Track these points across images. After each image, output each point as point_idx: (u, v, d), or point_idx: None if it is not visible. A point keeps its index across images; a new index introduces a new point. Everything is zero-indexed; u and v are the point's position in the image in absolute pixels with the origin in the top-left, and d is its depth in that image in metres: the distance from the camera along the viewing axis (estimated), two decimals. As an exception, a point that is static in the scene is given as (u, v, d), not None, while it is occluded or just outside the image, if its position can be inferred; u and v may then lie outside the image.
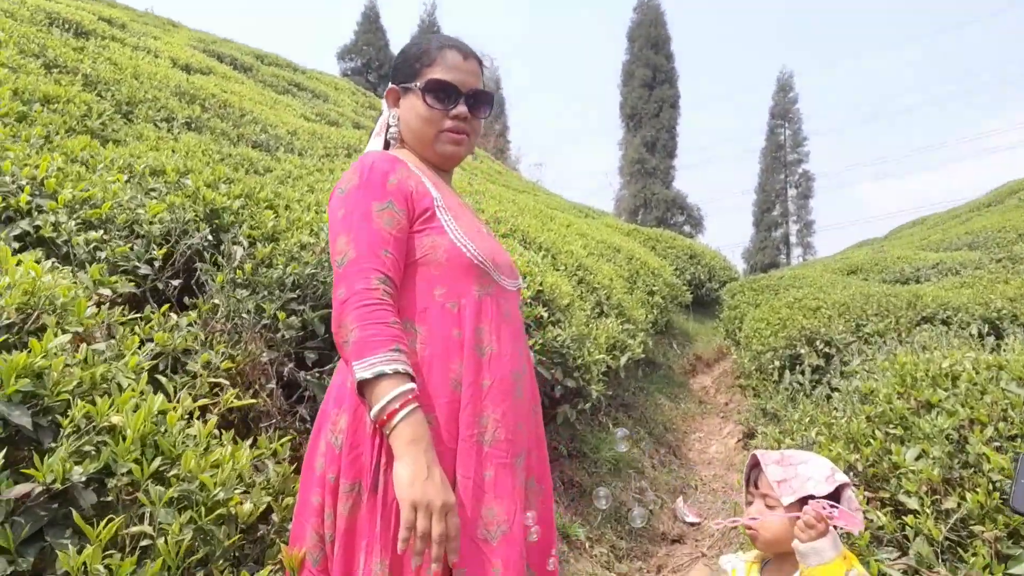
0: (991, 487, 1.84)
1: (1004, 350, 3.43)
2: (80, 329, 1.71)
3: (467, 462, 1.42)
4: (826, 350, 4.86)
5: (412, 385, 1.31)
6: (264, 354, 2.58)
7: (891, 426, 2.29)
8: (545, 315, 3.87)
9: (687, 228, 36.29)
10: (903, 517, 1.88)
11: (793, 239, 43.62)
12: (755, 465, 1.60)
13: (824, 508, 1.42)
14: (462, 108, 1.60)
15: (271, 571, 1.42)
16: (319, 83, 13.42)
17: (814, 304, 5.71)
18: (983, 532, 1.74)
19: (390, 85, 1.69)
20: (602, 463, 4.38)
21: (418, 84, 1.59)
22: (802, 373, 4.78)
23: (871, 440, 2.23)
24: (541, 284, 4.07)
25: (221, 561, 1.41)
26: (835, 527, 1.45)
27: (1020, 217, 10.86)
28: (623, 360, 5.03)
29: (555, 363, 3.84)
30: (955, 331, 4.29)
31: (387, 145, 1.74)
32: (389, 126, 1.73)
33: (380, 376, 1.29)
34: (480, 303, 1.50)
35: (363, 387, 1.31)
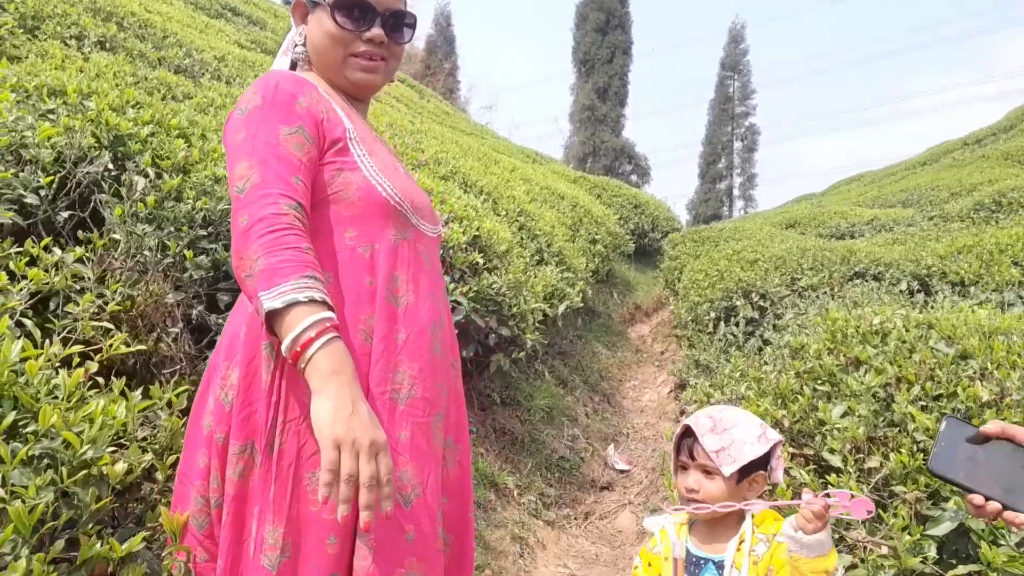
0: (915, 447, 1.82)
1: (932, 307, 3.47)
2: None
3: (379, 419, 1.29)
4: (761, 303, 4.88)
5: (331, 313, 1.14)
6: (169, 295, 2.38)
7: (819, 382, 2.26)
8: (481, 262, 3.74)
9: (634, 178, 36.38)
10: (826, 476, 1.85)
11: (736, 192, 44.27)
12: (687, 434, 1.52)
13: (829, 499, 1.32)
14: (377, 30, 1.42)
15: (147, 536, 1.27)
16: (257, 8, 12.66)
17: (752, 257, 5.73)
18: (904, 493, 1.71)
19: None
20: (535, 410, 4.34)
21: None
22: (736, 325, 4.80)
23: (799, 396, 2.19)
24: (478, 229, 3.92)
25: (90, 526, 1.26)
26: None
27: (953, 176, 11.15)
28: (561, 309, 4.96)
29: (490, 311, 3.73)
30: (886, 287, 4.34)
31: (293, 66, 1.55)
32: (296, 44, 1.53)
33: (293, 304, 1.11)
34: (396, 248, 1.35)
35: (273, 320, 1.13)
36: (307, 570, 1.21)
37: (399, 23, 1.46)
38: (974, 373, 2.04)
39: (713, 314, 5.11)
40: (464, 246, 3.70)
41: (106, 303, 2.02)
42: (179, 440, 1.54)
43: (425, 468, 1.33)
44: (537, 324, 4.18)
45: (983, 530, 1.54)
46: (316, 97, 1.38)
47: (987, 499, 0.94)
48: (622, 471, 4.28)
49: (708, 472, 1.47)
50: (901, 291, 4.31)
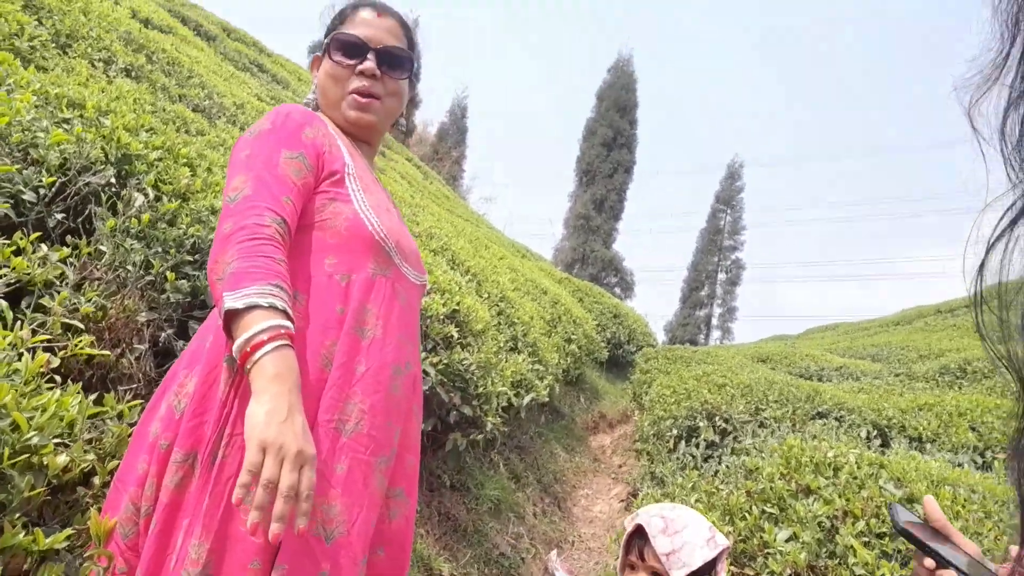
0: (852, 580, 1.82)
1: (887, 454, 3.51)
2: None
3: (320, 448, 1.28)
4: (724, 426, 4.91)
5: (287, 323, 1.15)
6: (143, 314, 2.38)
7: (768, 504, 2.27)
8: (456, 335, 3.77)
9: (618, 290, 36.95)
10: (763, 596, 1.84)
11: (715, 321, 44.98)
12: (637, 534, 1.52)
13: None
14: (369, 64, 1.51)
15: (70, 536, 1.24)
16: (283, 69, 13.15)
17: (720, 380, 5.80)
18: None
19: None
20: (484, 500, 4.26)
21: (327, 41, 1.51)
22: (696, 446, 4.80)
23: (747, 515, 2.19)
24: (458, 304, 3.97)
25: (18, 515, 1.23)
26: None
27: (923, 339, 11.46)
28: (526, 400, 4.95)
29: (456, 387, 3.73)
30: (846, 429, 4.40)
31: None
32: (310, 94, 1.64)
33: (252, 307, 1.13)
34: (373, 282, 1.38)
35: (231, 320, 1.14)
36: None
37: (393, 60, 1.55)
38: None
39: (675, 431, 5.12)
40: (442, 318, 3.74)
41: (79, 307, 2.02)
42: (124, 447, 1.52)
43: (355, 507, 1.31)
44: (500, 410, 4.17)
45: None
46: (323, 131, 1.45)
47: (938, 567, 0.96)
48: (561, 577, 4.16)
49: (657, 574, 1.47)
50: (860, 436, 4.37)
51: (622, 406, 9.62)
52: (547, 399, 5.38)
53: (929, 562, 0.98)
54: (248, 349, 1.12)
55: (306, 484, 1.09)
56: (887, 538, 1.99)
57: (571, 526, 5.19)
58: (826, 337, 18.72)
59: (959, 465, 3.63)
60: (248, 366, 1.12)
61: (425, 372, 3.47)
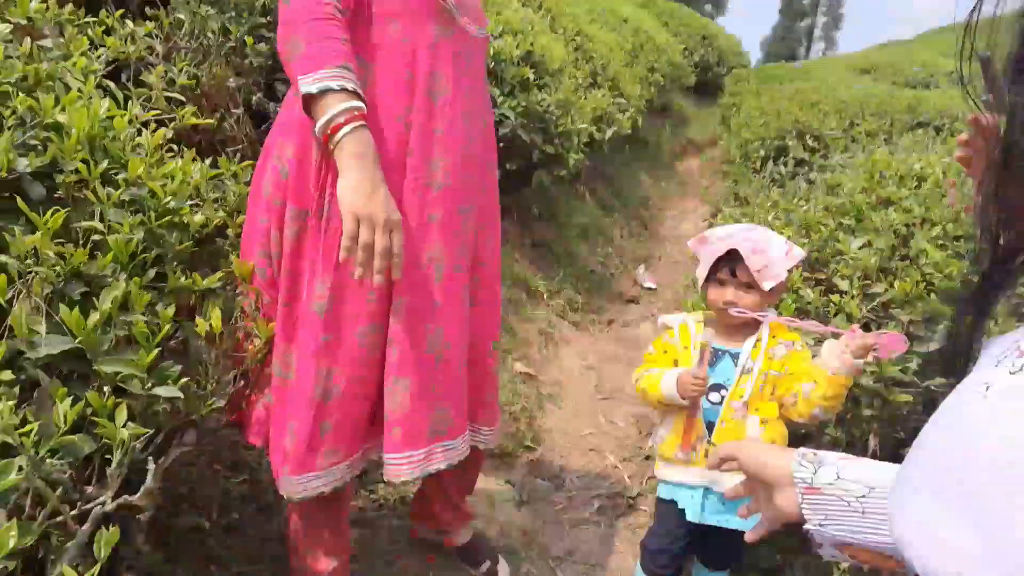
0: (921, 278, 1.93)
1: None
2: (23, 21, 1.62)
3: (412, 202, 1.44)
4: (813, 144, 4.80)
5: (360, 103, 1.27)
6: (231, 79, 2.50)
7: (846, 217, 2.33)
8: (532, 77, 3.73)
9: (708, 7, 33.89)
10: (830, 295, 1.99)
11: (818, 32, 41.11)
12: (727, 256, 1.63)
13: (878, 339, 1.42)
14: None
15: (221, 277, 1.49)
16: None
17: (814, 99, 5.53)
18: (901, 316, 1.85)
19: None
20: (572, 227, 4.51)
21: None
22: (784, 164, 4.76)
23: (823, 227, 2.28)
24: (532, 44, 3.87)
25: (174, 263, 1.48)
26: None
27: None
28: (608, 134, 4.95)
29: (536, 128, 3.78)
30: (944, 138, 4.23)
31: None
32: None
33: (326, 91, 1.24)
34: (437, 46, 1.42)
35: (309, 103, 1.27)
36: (348, 319, 1.43)
37: None
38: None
39: (763, 152, 5.05)
40: (516, 60, 3.68)
41: (174, 79, 2.15)
42: (245, 204, 1.73)
43: (454, 247, 1.50)
44: (582, 146, 4.23)
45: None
46: None
47: None
48: (649, 288, 4.50)
49: (748, 287, 1.63)
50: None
51: (711, 130, 9.41)
52: (630, 131, 5.35)
53: None
54: (328, 132, 1.25)
55: (397, 245, 1.29)
56: (962, 240, 2.06)
57: (658, 245, 5.46)
58: (945, 39, 16.91)
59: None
60: (331, 146, 1.27)
61: (505, 116, 3.52)
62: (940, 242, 2.07)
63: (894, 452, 1.81)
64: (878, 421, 1.76)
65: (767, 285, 1.62)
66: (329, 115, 1.24)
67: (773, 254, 1.64)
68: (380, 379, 1.50)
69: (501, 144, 3.60)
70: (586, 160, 4.48)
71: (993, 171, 0.51)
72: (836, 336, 1.50)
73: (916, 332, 1.82)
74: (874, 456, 1.83)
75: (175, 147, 1.89)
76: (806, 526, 0.73)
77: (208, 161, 1.83)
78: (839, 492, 0.70)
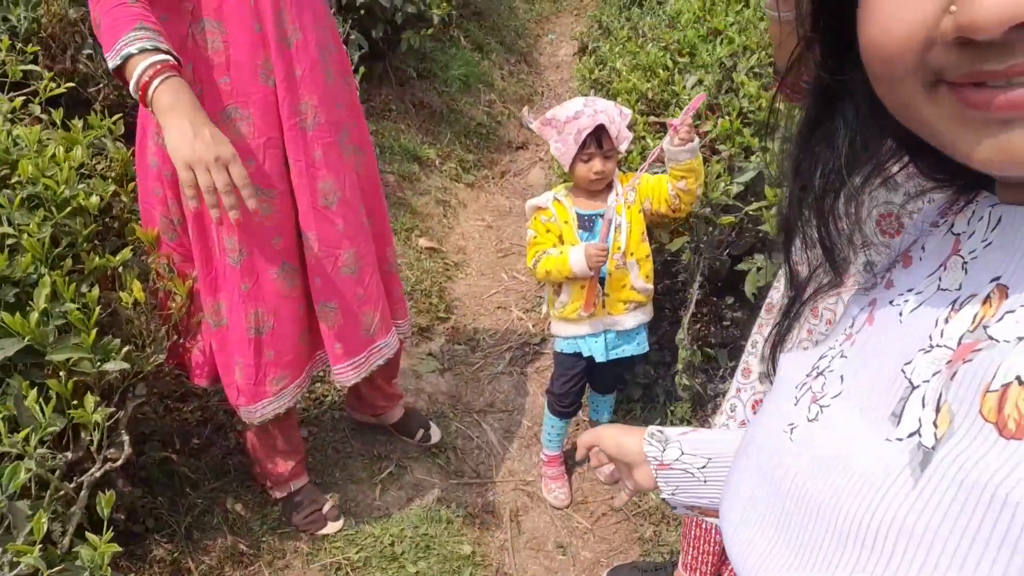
0: (738, 113, 2.23)
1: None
2: None
3: (296, 147, 1.61)
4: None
5: (163, 56, 1.31)
6: (71, 10, 2.46)
7: (681, 55, 2.58)
8: (376, -66, 3.63)
9: None
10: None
11: None
12: (594, 129, 1.87)
13: (689, 110, 1.82)
14: None
15: (131, 248, 1.68)
16: None
17: None
18: (723, 150, 2.18)
19: None
20: (452, 81, 4.57)
21: None
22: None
23: (662, 70, 2.53)
24: None
25: (85, 246, 1.65)
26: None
27: None
28: (469, -31, 4.87)
29: (393, -13, 3.74)
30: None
31: None
32: None
33: (128, 57, 1.29)
34: None
35: (120, 76, 1.34)
36: (262, 264, 1.66)
37: None
38: (805, 39, 2.38)
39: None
40: (357, -82, 3.56)
41: (18, 33, 2.14)
42: (131, 168, 1.86)
43: (340, 176, 1.71)
44: (445, -6, 4.20)
45: (771, 177, 2.05)
46: None
47: None
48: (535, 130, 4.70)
49: (608, 155, 1.89)
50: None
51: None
52: (491, -39, 5.24)
53: None
54: (139, 93, 1.31)
55: (238, 177, 1.34)
56: (770, 70, 2.34)
57: (539, 78, 5.57)
58: None
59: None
60: (148, 107, 1.34)
61: (358, -17, 3.48)
62: (756, 71, 2.36)
63: (732, 268, 2.22)
64: (711, 244, 2.14)
65: (624, 147, 1.91)
66: (135, 78, 1.29)
67: (618, 119, 1.91)
68: (307, 304, 1.76)
69: (360, 12, 3.60)
70: (452, 7, 4.46)
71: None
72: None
73: (737, 163, 2.16)
74: (713, 272, 2.24)
75: (43, 118, 1.98)
76: (662, 496, 0.83)
77: (80, 122, 1.92)
78: (684, 466, 0.79)
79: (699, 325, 2.42)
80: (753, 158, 2.13)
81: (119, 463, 1.42)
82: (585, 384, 2.20)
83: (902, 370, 0.42)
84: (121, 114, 2.12)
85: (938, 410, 0.38)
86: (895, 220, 1.03)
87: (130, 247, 1.69)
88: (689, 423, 2.34)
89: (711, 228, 2.12)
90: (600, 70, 2.86)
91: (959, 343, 0.40)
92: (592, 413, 2.34)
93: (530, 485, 2.31)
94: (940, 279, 0.45)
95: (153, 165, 1.63)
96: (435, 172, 3.81)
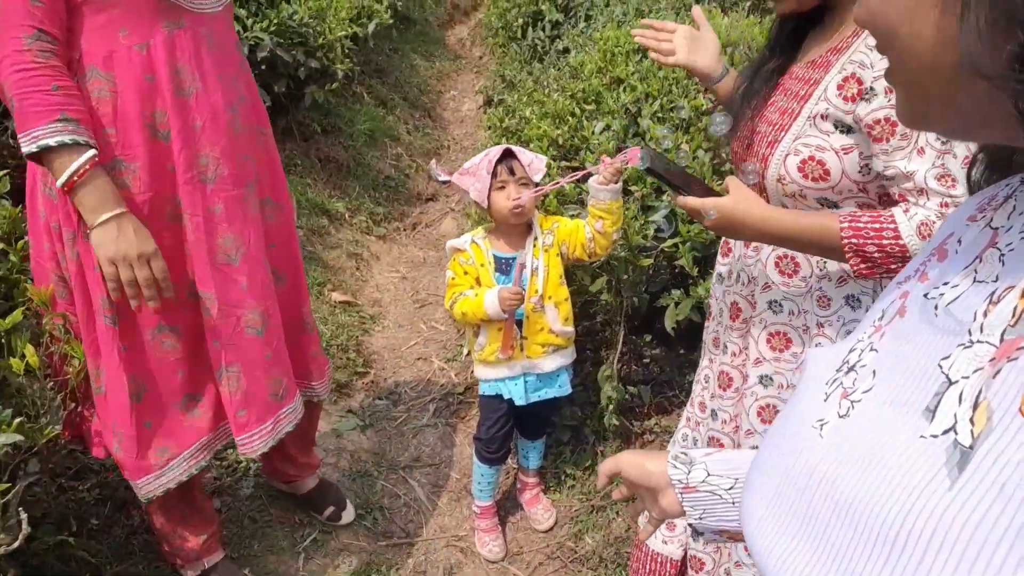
0: (648, 154, 2.32)
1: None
2: None
3: (194, 200, 1.53)
4: (565, 4, 5.07)
5: (88, 154, 1.33)
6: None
7: (588, 103, 2.66)
8: (276, -10, 3.62)
9: None
10: (583, 184, 2.34)
11: None
12: (499, 159, 1.88)
13: (620, 156, 1.77)
14: None
15: (22, 309, 1.54)
16: None
17: (558, -46, 5.73)
18: (636, 191, 2.25)
19: None
20: (358, 136, 4.56)
21: None
22: (543, 30, 5.02)
23: (570, 117, 2.60)
24: (268, -48, 3.70)
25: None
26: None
27: None
28: (371, 28, 4.92)
29: (295, 43, 3.72)
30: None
31: None
32: None
33: (47, 150, 1.30)
34: (172, 41, 1.45)
35: (37, 159, 1.34)
36: (139, 325, 1.55)
37: None
38: (701, 85, 2.51)
39: (521, 20, 5.26)
40: (256, -26, 3.54)
41: None
42: (20, 225, 1.72)
43: (245, 231, 1.62)
44: (347, 50, 4.21)
45: (683, 214, 2.12)
46: None
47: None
48: (444, 182, 4.69)
49: (522, 184, 1.90)
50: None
51: (473, -10, 9.36)
52: (391, 20, 5.32)
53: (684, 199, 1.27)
54: (65, 190, 1.34)
55: (158, 271, 1.44)
56: (674, 110, 2.46)
57: (444, 132, 5.63)
58: None
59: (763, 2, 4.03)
60: (72, 200, 1.37)
61: (259, 39, 3.44)
62: (660, 116, 2.47)
63: (649, 308, 2.26)
64: (632, 284, 2.19)
65: (537, 176, 1.93)
66: (63, 179, 1.32)
67: (529, 155, 1.96)
68: (193, 370, 1.64)
69: (263, 67, 3.55)
70: (355, 63, 4.47)
71: None
72: (589, 176, 1.88)
73: (648, 203, 2.23)
74: (633, 310, 2.29)
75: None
76: (689, 521, 0.78)
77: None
78: (711, 488, 0.76)
79: (620, 364, 2.45)
80: (664, 197, 2.21)
81: (14, 546, 1.26)
82: (512, 428, 2.17)
83: (939, 365, 0.41)
84: (7, 171, 1.98)
85: (975, 407, 0.37)
86: None
87: (21, 309, 1.55)
88: (619, 462, 2.34)
89: (630, 268, 2.16)
90: (510, 118, 2.92)
91: (1002, 339, 0.39)
92: (522, 460, 2.30)
93: (463, 540, 2.23)
94: (976, 271, 0.44)
95: (43, 216, 1.52)
96: (345, 225, 3.75)
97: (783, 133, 1.19)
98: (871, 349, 0.50)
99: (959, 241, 0.50)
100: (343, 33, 4.04)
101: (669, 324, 2.18)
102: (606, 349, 2.64)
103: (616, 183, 1.85)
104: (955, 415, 0.38)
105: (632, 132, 2.48)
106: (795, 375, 1.32)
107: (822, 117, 1.14)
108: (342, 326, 2.96)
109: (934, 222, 1.04)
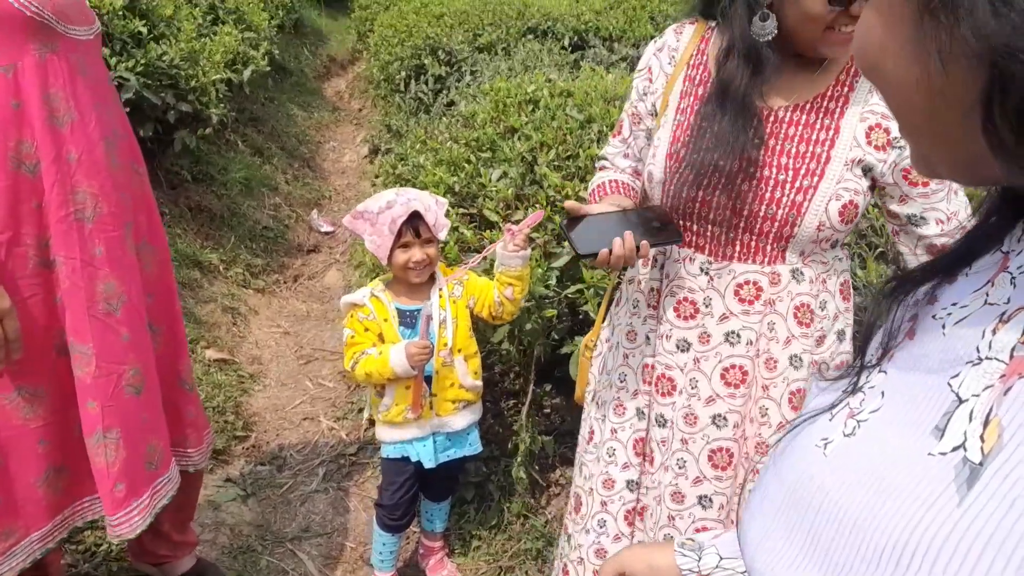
0: (547, 200, 2.31)
1: (580, 67, 3.99)
2: None
3: (70, 242, 1.35)
4: (448, 59, 5.11)
5: None
6: None
7: (483, 150, 2.64)
8: (145, 30, 3.40)
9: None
10: (484, 231, 2.29)
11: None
12: (406, 220, 1.76)
13: (527, 223, 1.73)
14: None
15: None
16: None
17: (438, 11, 5.81)
18: (537, 238, 2.22)
19: None
20: (232, 185, 4.32)
21: None
22: (426, 83, 5.02)
23: (466, 164, 2.56)
24: (134, -11, 3.48)
25: None
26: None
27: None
28: (246, 75, 4.73)
29: (164, 86, 3.49)
30: (551, 44, 4.81)
31: None
32: None
33: None
34: (44, 65, 1.30)
35: None
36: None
37: None
38: (595, 135, 2.56)
39: (404, 72, 5.24)
40: (121, 12, 3.31)
41: None
42: None
43: (127, 277, 1.46)
44: (222, 95, 4.01)
45: (587, 263, 2.11)
46: None
47: (625, 246, 1.19)
48: (327, 233, 4.55)
49: (427, 242, 1.80)
50: (564, 47, 4.81)
51: (350, 43, 9.32)
52: (267, 67, 5.16)
53: (603, 253, 1.20)
54: None
55: (11, 331, 1.27)
56: (571, 159, 2.48)
57: (325, 182, 5.47)
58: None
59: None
60: None
61: (123, 79, 3.20)
62: (556, 164, 2.47)
63: (552, 355, 2.22)
64: (537, 334, 2.14)
65: (443, 235, 1.84)
66: None
67: (434, 207, 1.85)
68: (56, 439, 1.42)
69: (127, 109, 3.28)
70: (229, 109, 4.26)
71: None
72: (493, 247, 1.82)
73: (551, 250, 2.21)
74: (539, 361, 2.23)
75: None
76: None
77: None
78: (726, 573, 0.71)
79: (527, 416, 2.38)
80: (565, 244, 2.19)
81: None
82: (417, 492, 2.03)
83: (948, 383, 0.41)
84: None
85: (986, 424, 0.37)
86: None
87: None
88: (527, 517, 2.24)
89: (535, 318, 2.11)
90: (403, 165, 2.84)
91: (1011, 356, 0.38)
92: (426, 524, 2.15)
93: (362, 616, 2.04)
94: (987, 294, 0.44)
95: None
96: (219, 278, 3.49)
97: (817, 180, 1.18)
98: (879, 371, 0.49)
99: (969, 264, 0.50)
100: (217, 76, 3.84)
101: (574, 372, 2.13)
102: (507, 399, 2.56)
103: (525, 249, 1.79)
104: (965, 432, 0.38)
105: (529, 180, 2.46)
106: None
107: (857, 162, 1.18)
108: (218, 386, 2.71)
109: None
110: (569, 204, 1.30)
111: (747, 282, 1.25)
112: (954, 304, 0.46)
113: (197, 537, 1.99)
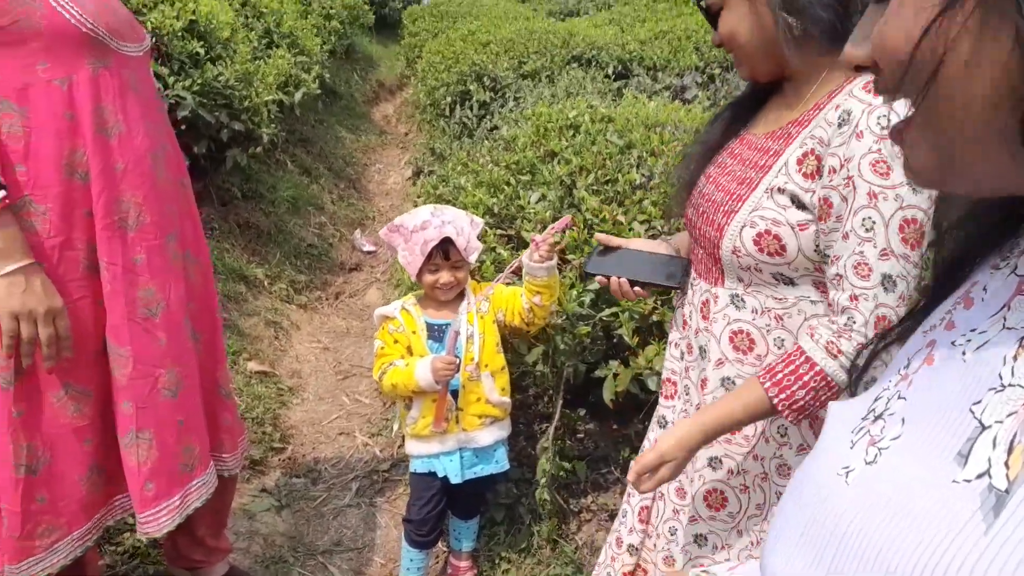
0: (584, 224, 2.32)
1: (623, 94, 4.02)
2: None
3: (112, 248, 1.41)
4: (493, 85, 5.20)
5: None
6: None
7: (522, 173, 2.67)
8: (202, 51, 3.54)
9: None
10: (519, 252, 2.31)
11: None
12: (440, 241, 1.80)
13: (552, 228, 1.79)
14: None
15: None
16: None
17: (485, 39, 5.92)
18: (573, 260, 2.23)
19: None
20: (280, 202, 4.44)
21: None
22: (471, 108, 5.11)
23: (506, 186, 2.59)
24: (194, 13, 3.63)
25: None
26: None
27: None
28: (298, 97, 4.88)
29: (219, 105, 3.62)
30: (595, 72, 4.85)
31: None
32: None
33: None
34: (96, 79, 1.37)
35: None
36: (39, 385, 1.38)
37: None
38: (634, 161, 2.57)
39: (449, 98, 5.35)
40: (180, 33, 3.45)
41: None
42: None
43: (166, 283, 1.51)
44: (273, 116, 4.14)
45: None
46: None
47: (619, 281, 1.34)
48: (369, 252, 4.64)
49: (457, 265, 1.83)
50: (607, 76, 4.85)
51: (399, 69, 9.54)
52: (318, 90, 5.31)
53: (613, 282, 1.34)
54: None
55: (62, 328, 1.34)
56: (609, 183, 2.49)
57: (369, 203, 5.58)
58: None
59: (684, 89, 4.25)
60: None
61: (180, 97, 3.33)
62: (595, 188, 2.49)
63: (586, 379, 2.22)
64: (570, 353, 2.14)
65: (473, 258, 1.87)
66: None
67: (467, 229, 1.88)
68: (100, 438, 1.47)
69: (183, 127, 3.42)
70: (280, 129, 4.40)
71: None
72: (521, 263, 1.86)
73: (584, 270, 2.21)
74: (568, 381, 2.23)
75: None
76: None
77: None
78: None
79: (555, 438, 2.37)
80: (602, 267, 2.20)
81: None
82: (445, 509, 2.03)
83: (970, 410, 0.41)
84: None
85: (1010, 451, 0.37)
86: None
87: None
88: (556, 542, 2.23)
89: (568, 336, 2.12)
90: (444, 186, 2.89)
91: None
92: (454, 542, 2.15)
93: (388, 633, 2.04)
94: (1005, 319, 0.44)
95: None
96: (264, 293, 3.58)
97: (739, 204, 1.15)
98: (899, 397, 0.49)
99: (984, 289, 0.50)
100: (270, 98, 3.97)
101: (608, 396, 2.13)
102: (540, 422, 2.56)
103: (551, 260, 1.82)
104: (989, 459, 0.37)
105: (567, 203, 2.48)
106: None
107: (779, 191, 1.11)
108: (258, 398, 2.77)
109: (837, 343, 1.03)
110: (600, 236, 1.42)
111: (704, 301, 1.28)
112: (972, 330, 0.46)
113: (231, 544, 2.03)
